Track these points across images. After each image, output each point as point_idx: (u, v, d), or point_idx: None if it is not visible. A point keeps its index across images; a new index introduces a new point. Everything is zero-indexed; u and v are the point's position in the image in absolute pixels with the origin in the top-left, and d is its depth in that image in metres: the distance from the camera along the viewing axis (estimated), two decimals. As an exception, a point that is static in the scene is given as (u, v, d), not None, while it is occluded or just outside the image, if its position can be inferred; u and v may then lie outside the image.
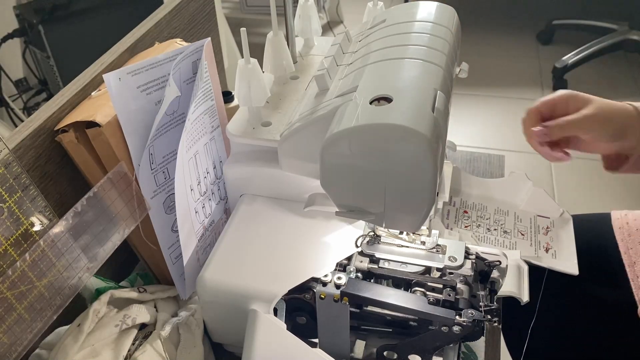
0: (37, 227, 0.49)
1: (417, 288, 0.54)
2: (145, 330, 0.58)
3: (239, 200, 0.64)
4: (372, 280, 0.55)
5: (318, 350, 0.50)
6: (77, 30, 1.66)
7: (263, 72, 0.59)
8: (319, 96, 0.57)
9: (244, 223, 0.60)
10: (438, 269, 0.56)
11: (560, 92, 0.67)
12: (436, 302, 0.52)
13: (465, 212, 0.72)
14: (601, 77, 2.25)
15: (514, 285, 0.53)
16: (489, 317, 0.51)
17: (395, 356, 0.56)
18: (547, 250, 0.66)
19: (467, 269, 0.55)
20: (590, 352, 0.74)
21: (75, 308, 0.55)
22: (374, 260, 0.57)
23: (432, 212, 0.55)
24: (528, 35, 2.55)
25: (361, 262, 0.56)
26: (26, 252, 0.47)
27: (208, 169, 0.63)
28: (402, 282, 0.56)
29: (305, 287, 0.54)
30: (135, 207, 0.57)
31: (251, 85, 0.57)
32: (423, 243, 0.58)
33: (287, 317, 0.55)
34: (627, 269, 0.69)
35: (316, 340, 0.58)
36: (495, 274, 0.56)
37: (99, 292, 0.60)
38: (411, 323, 0.56)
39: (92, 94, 0.62)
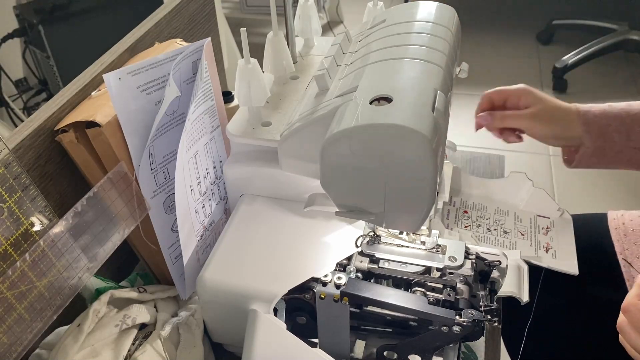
0: (37, 227, 0.49)
1: (417, 288, 0.54)
2: (145, 330, 0.58)
3: (239, 200, 0.64)
4: (372, 280, 0.55)
5: (318, 350, 0.50)
6: (77, 30, 1.66)
7: (263, 72, 0.59)
8: (319, 96, 0.57)
9: (244, 223, 0.60)
10: (438, 269, 0.56)
11: (517, 86, 0.71)
12: (436, 302, 0.52)
13: (465, 212, 0.72)
14: (601, 77, 2.25)
15: (514, 285, 0.53)
16: (489, 317, 0.51)
17: (395, 356, 0.56)
18: (547, 250, 0.66)
19: (467, 269, 0.55)
20: (590, 352, 0.74)
21: (75, 308, 0.55)
22: (374, 260, 0.57)
23: (432, 212, 0.55)
24: (528, 35, 2.55)
25: (361, 262, 0.56)
26: (26, 252, 0.47)
27: (208, 169, 0.63)
28: (402, 282, 0.56)
29: (305, 287, 0.54)
30: (135, 207, 0.57)
31: (251, 85, 0.57)
32: (423, 243, 0.58)
33: (287, 317, 0.54)
34: (623, 270, 0.69)
35: (316, 340, 0.58)
36: (495, 274, 0.56)
37: (99, 292, 0.60)
38: (411, 323, 0.56)
39: (92, 94, 0.62)
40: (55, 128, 0.57)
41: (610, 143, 0.67)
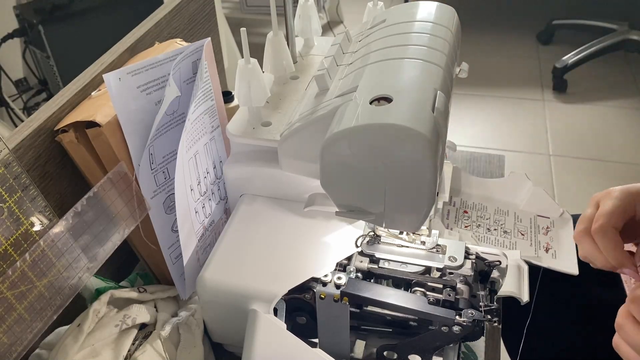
0: (37, 227, 0.49)
1: (417, 288, 0.54)
2: (145, 330, 0.58)
3: (239, 200, 0.64)
4: (372, 280, 0.55)
5: (318, 350, 0.50)
6: (77, 30, 1.66)
7: (263, 72, 0.59)
8: (319, 96, 0.57)
9: (244, 223, 0.60)
10: (438, 269, 0.56)
11: (620, 193, 0.51)
12: (436, 302, 0.52)
13: (465, 212, 0.72)
14: (601, 77, 2.25)
15: (514, 285, 0.53)
16: (489, 317, 0.51)
17: (395, 356, 0.56)
18: (547, 250, 0.66)
19: (467, 269, 0.55)
20: (589, 353, 0.74)
21: (75, 308, 0.55)
22: (374, 260, 0.57)
23: (432, 212, 0.55)
24: (528, 35, 2.55)
25: (361, 262, 0.56)
26: (26, 252, 0.47)
27: (208, 169, 0.63)
28: (402, 282, 0.56)
29: (305, 287, 0.54)
30: (135, 207, 0.57)
31: (251, 85, 0.57)
32: (423, 243, 0.58)
33: (287, 317, 0.54)
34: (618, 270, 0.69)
35: (316, 340, 0.58)
36: (495, 274, 0.56)
37: (99, 292, 0.60)
38: (411, 323, 0.56)
39: (92, 94, 0.62)
40: (55, 128, 0.57)
41: None
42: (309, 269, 0.54)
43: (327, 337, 0.57)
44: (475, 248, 0.58)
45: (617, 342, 0.46)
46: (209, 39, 0.59)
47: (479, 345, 0.62)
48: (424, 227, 0.57)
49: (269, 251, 0.57)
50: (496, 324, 0.50)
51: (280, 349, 0.50)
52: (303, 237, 0.59)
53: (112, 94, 0.52)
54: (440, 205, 0.68)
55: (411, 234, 0.58)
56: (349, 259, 0.57)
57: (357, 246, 0.57)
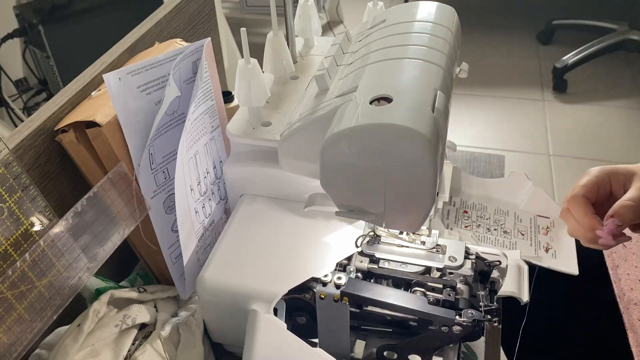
0: (37, 227, 0.49)
1: (417, 288, 0.54)
2: (145, 330, 0.58)
3: (239, 200, 0.64)
4: (372, 280, 0.55)
5: (318, 350, 0.50)
6: (77, 30, 1.66)
7: (263, 72, 0.59)
8: (319, 96, 0.57)
9: (244, 223, 0.60)
10: (438, 269, 0.56)
11: (597, 171, 0.56)
12: (436, 302, 0.52)
13: (465, 212, 0.72)
14: (601, 77, 2.25)
15: (514, 285, 0.53)
16: (489, 317, 0.51)
17: (395, 356, 0.56)
18: (547, 250, 0.66)
19: (467, 269, 0.55)
20: (589, 353, 0.74)
21: (75, 308, 0.55)
22: (374, 260, 0.57)
23: (432, 212, 0.55)
24: (528, 35, 2.55)
25: (361, 262, 0.56)
26: (26, 252, 0.47)
27: (208, 169, 0.63)
28: (402, 282, 0.56)
29: (305, 287, 0.54)
30: (135, 207, 0.57)
31: (251, 85, 0.57)
32: (423, 243, 0.58)
33: (287, 317, 0.54)
34: (610, 272, 0.69)
35: (316, 340, 0.58)
36: (495, 274, 0.56)
37: (99, 292, 0.60)
38: (411, 323, 0.56)
39: (92, 94, 0.62)
40: (55, 128, 0.57)
41: None
42: (309, 269, 0.54)
43: (327, 337, 0.57)
44: (475, 248, 0.58)
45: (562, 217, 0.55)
46: (209, 39, 0.59)
47: (479, 346, 0.61)
48: (424, 227, 0.57)
49: (269, 251, 0.57)
50: (496, 324, 0.50)
51: (280, 349, 0.50)
52: (303, 237, 0.59)
53: (112, 94, 0.52)
54: (440, 205, 0.68)
55: (411, 234, 0.58)
56: (349, 259, 0.57)
57: (357, 246, 0.57)
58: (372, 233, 0.58)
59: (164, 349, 0.55)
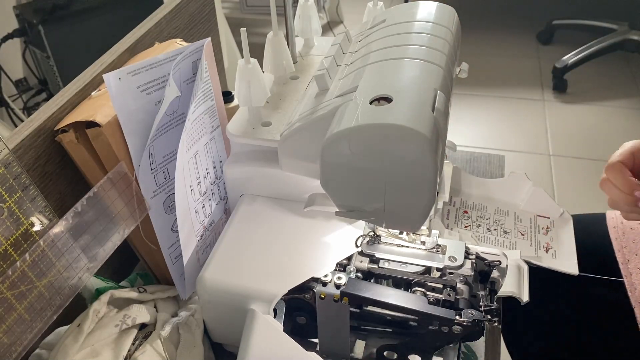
0: (37, 227, 0.49)
1: (417, 288, 0.54)
2: (145, 330, 0.58)
3: (239, 200, 0.64)
4: (372, 280, 0.55)
5: (312, 354, 0.50)
6: (77, 30, 1.66)
7: (263, 72, 0.59)
8: (319, 96, 0.57)
9: (244, 223, 0.60)
10: (438, 269, 0.56)
11: (631, 143, 0.58)
12: (436, 302, 0.52)
13: (465, 212, 0.72)
14: (601, 77, 2.26)
15: (514, 285, 0.53)
16: (489, 317, 0.51)
17: (395, 356, 0.56)
18: (547, 250, 0.66)
19: (467, 269, 0.55)
20: (589, 352, 0.74)
21: (75, 308, 0.55)
22: (374, 260, 0.57)
23: (432, 212, 0.55)
24: (528, 35, 2.55)
25: (361, 262, 0.56)
26: (26, 252, 0.47)
27: (208, 169, 0.63)
28: (402, 282, 0.56)
29: (305, 287, 0.54)
30: (135, 207, 0.57)
31: (251, 85, 0.57)
32: (423, 243, 0.58)
33: (287, 317, 0.54)
34: (621, 267, 0.69)
35: (316, 340, 0.58)
36: (495, 274, 0.56)
37: (99, 292, 0.60)
38: (411, 323, 0.56)
39: (92, 94, 0.62)
40: (55, 128, 0.57)
41: None
42: (309, 269, 0.54)
43: (327, 337, 0.57)
44: (475, 248, 0.58)
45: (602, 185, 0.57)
46: (209, 39, 0.59)
47: (479, 346, 0.62)
48: (424, 227, 0.57)
49: (269, 251, 0.57)
50: (496, 324, 0.50)
51: (275, 350, 0.50)
52: (303, 237, 0.59)
53: (112, 94, 0.52)
54: (440, 205, 0.68)
55: (411, 234, 0.58)
56: (349, 259, 0.57)
57: (357, 246, 0.57)
58: (372, 233, 0.58)
59: (164, 349, 0.55)
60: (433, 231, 0.58)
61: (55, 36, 1.63)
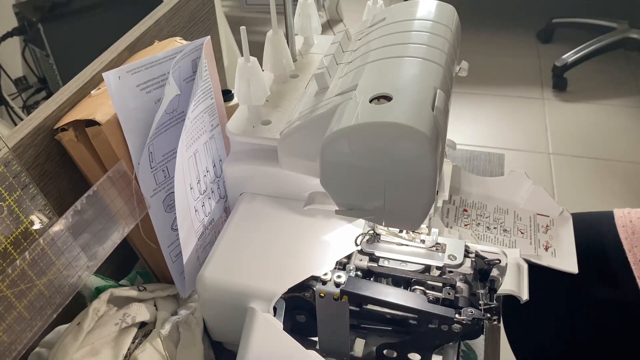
0: (36, 226, 0.49)
1: (416, 286, 0.54)
2: (145, 329, 0.58)
3: (238, 199, 0.64)
4: (371, 279, 0.55)
5: (312, 353, 0.50)
6: (77, 28, 1.66)
7: (263, 70, 0.59)
8: (319, 95, 0.57)
9: (243, 221, 0.60)
10: (438, 268, 0.56)
11: None
12: (436, 301, 0.52)
13: (465, 210, 0.72)
14: (601, 76, 2.26)
15: (514, 283, 0.53)
16: (489, 315, 0.51)
17: (395, 354, 0.56)
18: (546, 249, 0.66)
19: (467, 268, 0.55)
20: (589, 352, 0.74)
21: (75, 307, 0.56)
22: (373, 258, 0.57)
23: (431, 211, 0.55)
24: (528, 34, 2.55)
25: (361, 260, 0.56)
26: (26, 251, 0.47)
27: (208, 168, 0.63)
28: (402, 281, 0.56)
29: (305, 286, 0.54)
30: (135, 206, 0.57)
31: (251, 83, 0.57)
32: (423, 241, 0.58)
33: (287, 315, 0.54)
34: (633, 267, 0.69)
35: (316, 339, 0.58)
36: (494, 272, 0.56)
37: (98, 291, 0.60)
38: (411, 321, 0.56)
39: (92, 92, 0.62)
40: (55, 126, 0.57)
41: None
42: (309, 267, 0.54)
43: (326, 335, 0.57)
44: (474, 246, 0.58)
45: None
46: (209, 37, 0.59)
47: (479, 344, 0.62)
48: (423, 226, 0.57)
49: (268, 250, 0.57)
50: (496, 323, 0.51)
51: (275, 349, 0.50)
52: (303, 235, 0.59)
53: (111, 93, 0.52)
54: (440, 203, 0.68)
55: (411, 233, 0.58)
56: (349, 257, 0.57)
57: (356, 245, 0.57)
58: (371, 231, 0.58)
59: (164, 348, 0.55)
60: (433, 230, 0.58)
61: (54, 34, 1.63)
